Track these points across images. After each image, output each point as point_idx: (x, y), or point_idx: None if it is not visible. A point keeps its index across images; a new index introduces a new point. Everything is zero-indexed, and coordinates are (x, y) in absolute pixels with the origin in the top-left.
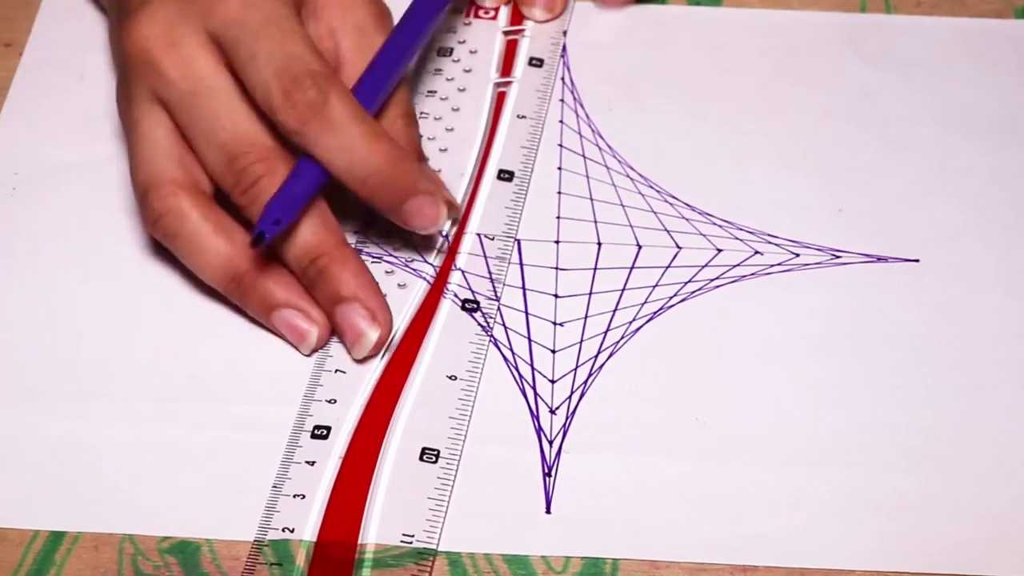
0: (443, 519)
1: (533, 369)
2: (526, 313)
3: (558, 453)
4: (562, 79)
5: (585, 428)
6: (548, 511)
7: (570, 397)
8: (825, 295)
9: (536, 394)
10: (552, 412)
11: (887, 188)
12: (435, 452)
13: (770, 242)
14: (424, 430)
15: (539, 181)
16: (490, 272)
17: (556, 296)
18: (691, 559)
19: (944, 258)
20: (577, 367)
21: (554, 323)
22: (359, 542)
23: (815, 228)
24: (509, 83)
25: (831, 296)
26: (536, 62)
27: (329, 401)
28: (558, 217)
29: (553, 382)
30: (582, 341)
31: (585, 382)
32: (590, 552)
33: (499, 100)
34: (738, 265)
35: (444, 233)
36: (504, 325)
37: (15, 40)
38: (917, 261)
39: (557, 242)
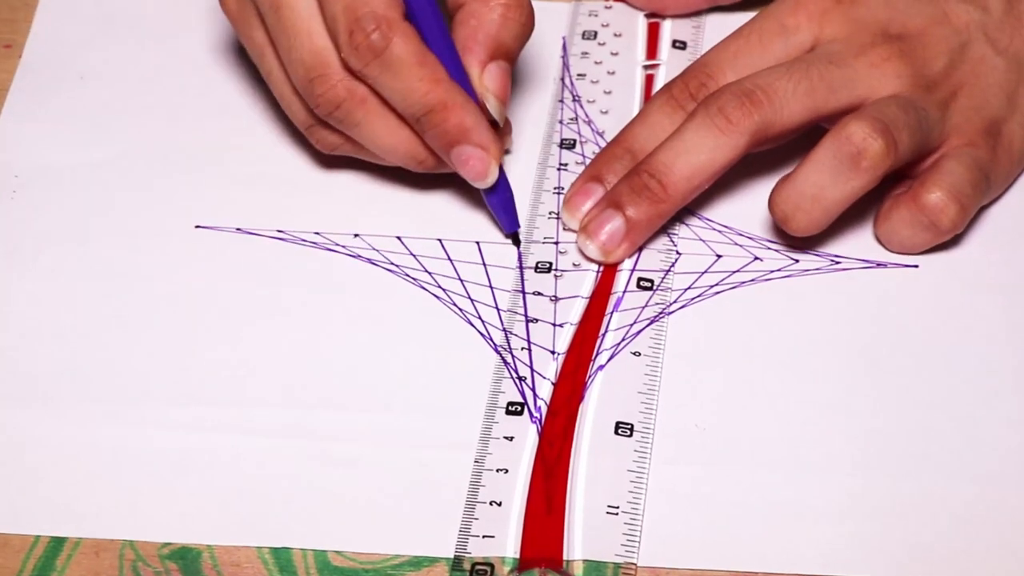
0: (644, 493)
1: (532, 371)
2: (525, 316)
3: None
4: (561, 79)
5: (585, 433)
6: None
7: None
8: (825, 301)
9: (535, 395)
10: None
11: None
12: (629, 426)
13: (770, 248)
14: (616, 405)
15: (540, 181)
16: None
17: (555, 299)
18: (692, 565)
19: (943, 264)
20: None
21: (553, 324)
22: (566, 512)
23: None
24: (656, 65)
25: (831, 302)
26: (680, 44)
27: (520, 377)
28: (556, 217)
29: (554, 384)
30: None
31: (584, 386)
32: (591, 557)
33: (648, 82)
34: (738, 271)
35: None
36: (504, 328)
37: (15, 41)
38: (916, 267)
39: (556, 243)
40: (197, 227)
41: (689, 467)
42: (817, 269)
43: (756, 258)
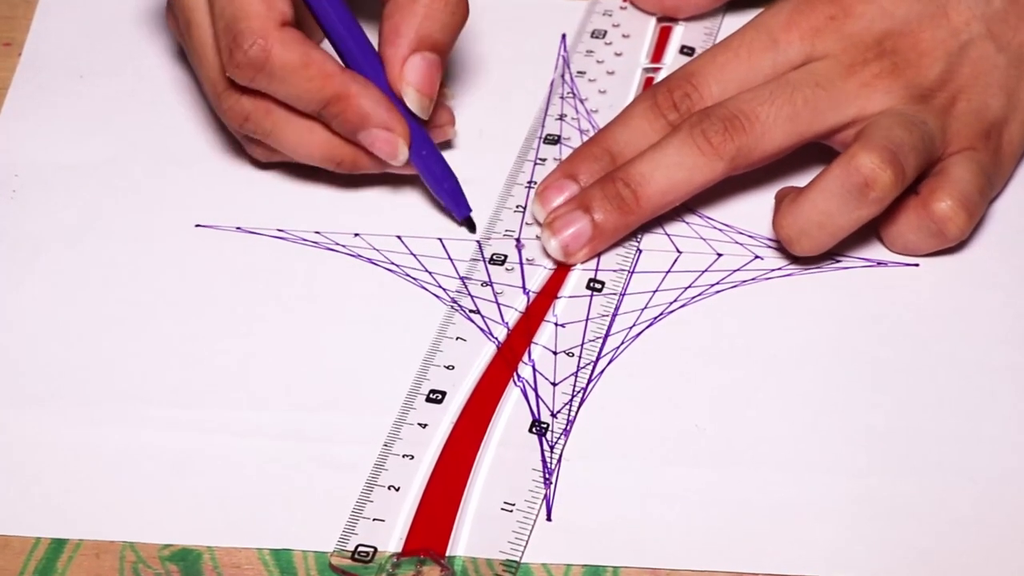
0: (552, 492)
1: (535, 372)
2: (527, 316)
3: (559, 460)
4: (562, 76)
5: (585, 434)
6: (549, 518)
7: (570, 403)
8: (825, 299)
9: (538, 398)
10: (553, 416)
11: None
12: (545, 425)
13: (770, 246)
14: (535, 402)
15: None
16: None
17: (556, 298)
18: (692, 566)
19: (944, 262)
20: (577, 372)
21: (556, 324)
22: (460, 503)
23: None
24: (658, 69)
25: (831, 300)
26: (688, 50)
27: (447, 367)
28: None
29: (555, 384)
30: (582, 345)
31: (585, 388)
32: (591, 560)
33: (646, 85)
34: (738, 270)
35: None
36: (506, 326)
37: (15, 40)
38: (917, 265)
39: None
40: (197, 226)
41: (689, 467)
42: (817, 268)
43: (757, 257)
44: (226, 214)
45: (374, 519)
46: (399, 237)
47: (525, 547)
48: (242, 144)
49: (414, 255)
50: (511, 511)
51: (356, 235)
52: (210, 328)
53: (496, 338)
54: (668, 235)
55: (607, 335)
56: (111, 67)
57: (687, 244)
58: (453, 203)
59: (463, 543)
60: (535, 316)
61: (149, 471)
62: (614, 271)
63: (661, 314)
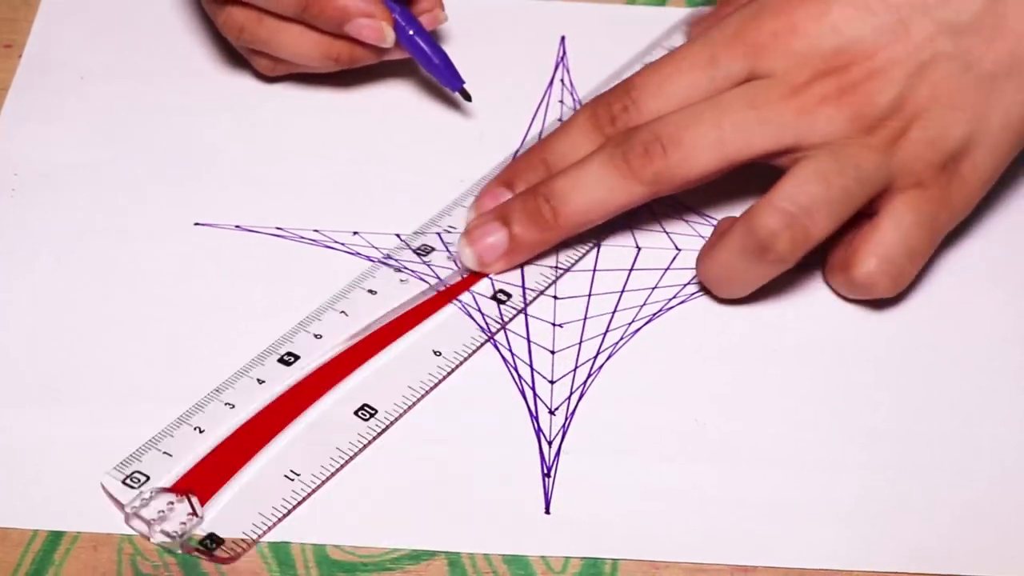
0: (333, 471)
1: (532, 370)
2: (525, 314)
3: (557, 454)
4: (561, 80)
5: (584, 429)
6: (547, 511)
7: (569, 398)
8: (824, 296)
9: (535, 395)
10: (551, 413)
11: None
12: (373, 411)
13: None
14: (381, 389)
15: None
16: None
17: (555, 298)
18: (690, 559)
19: (944, 262)
20: (576, 368)
21: (553, 324)
22: (249, 460)
23: None
24: None
25: (831, 298)
26: None
27: (316, 336)
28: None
29: (552, 383)
30: (581, 342)
31: (584, 383)
32: (589, 552)
33: None
34: None
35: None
36: (504, 325)
37: (15, 41)
38: None
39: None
40: (196, 224)
41: (688, 461)
42: (818, 266)
43: None
44: (225, 212)
45: (164, 452)
46: (398, 236)
47: (286, 515)
48: (248, 60)
49: (415, 252)
50: (292, 480)
51: (355, 233)
52: (209, 326)
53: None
54: (667, 233)
55: (606, 332)
56: (112, 68)
57: (686, 242)
58: (445, 77)
59: (229, 494)
60: (425, 309)
61: None
62: (613, 270)
63: (660, 310)
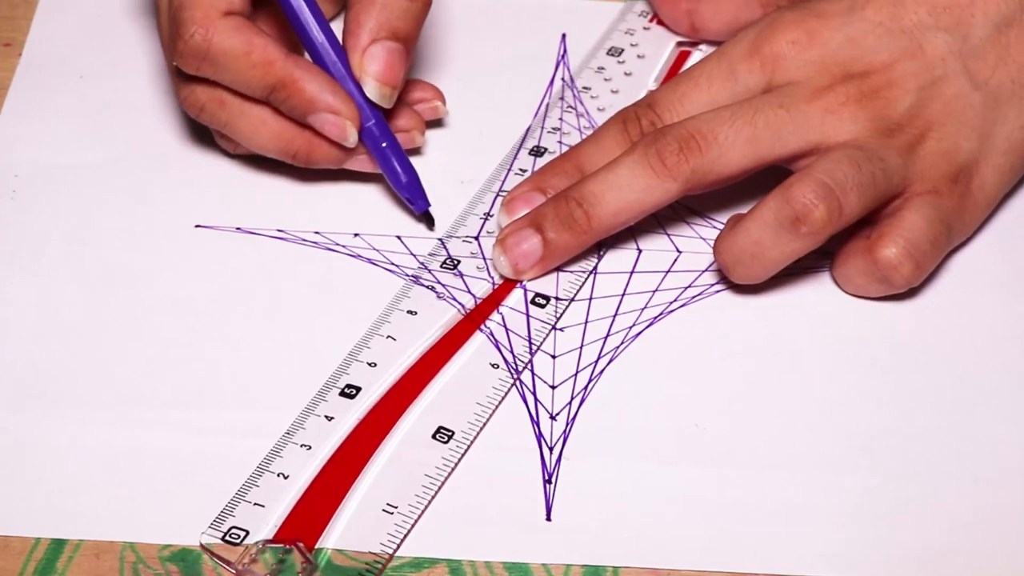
0: (431, 497)
1: (533, 374)
2: (527, 316)
3: (559, 460)
4: (563, 79)
5: (586, 434)
6: (548, 518)
7: (570, 403)
8: (826, 299)
9: (536, 400)
10: (552, 418)
11: None
12: (450, 433)
13: None
14: (448, 410)
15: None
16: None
17: (556, 299)
18: (692, 566)
19: (944, 262)
20: (577, 373)
21: (554, 328)
22: (343, 500)
23: None
24: None
25: (831, 300)
26: None
27: (370, 364)
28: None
29: (553, 387)
30: (582, 346)
31: (585, 388)
32: (591, 560)
33: None
34: None
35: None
36: (506, 328)
37: (15, 40)
38: None
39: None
40: (197, 226)
41: (689, 466)
42: (818, 267)
43: None
44: (226, 214)
45: (255, 504)
46: (399, 237)
47: (397, 548)
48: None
49: (414, 255)
50: (392, 513)
51: (356, 235)
52: (210, 328)
53: (423, 340)
54: (668, 235)
55: (607, 335)
56: (111, 68)
57: (687, 244)
58: (411, 196)
59: (334, 537)
60: (471, 323)
61: (149, 471)
62: (614, 273)
63: (661, 314)
